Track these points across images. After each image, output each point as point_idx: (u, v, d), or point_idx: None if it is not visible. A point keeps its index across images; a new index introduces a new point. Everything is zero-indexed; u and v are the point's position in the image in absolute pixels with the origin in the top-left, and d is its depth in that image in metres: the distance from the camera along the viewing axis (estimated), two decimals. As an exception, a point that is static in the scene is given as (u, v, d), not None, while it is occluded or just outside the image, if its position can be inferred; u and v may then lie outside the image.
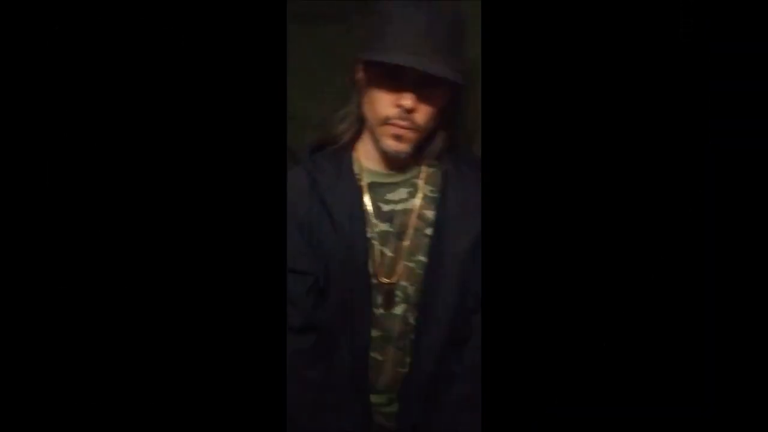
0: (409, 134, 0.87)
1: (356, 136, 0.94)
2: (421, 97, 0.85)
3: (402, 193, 0.93)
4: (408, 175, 0.93)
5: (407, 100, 0.83)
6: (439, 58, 0.81)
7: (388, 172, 0.93)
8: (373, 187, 0.93)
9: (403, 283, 0.90)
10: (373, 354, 0.91)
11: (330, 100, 1.34)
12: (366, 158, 0.94)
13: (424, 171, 0.93)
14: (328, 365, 0.90)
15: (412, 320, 0.90)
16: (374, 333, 0.91)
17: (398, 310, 0.91)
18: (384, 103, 0.86)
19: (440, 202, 0.92)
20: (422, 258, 0.90)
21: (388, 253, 0.90)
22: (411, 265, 0.90)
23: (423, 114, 0.86)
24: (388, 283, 0.90)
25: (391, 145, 0.87)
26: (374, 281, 0.90)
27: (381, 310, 0.90)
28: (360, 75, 0.88)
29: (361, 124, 0.93)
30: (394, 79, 0.84)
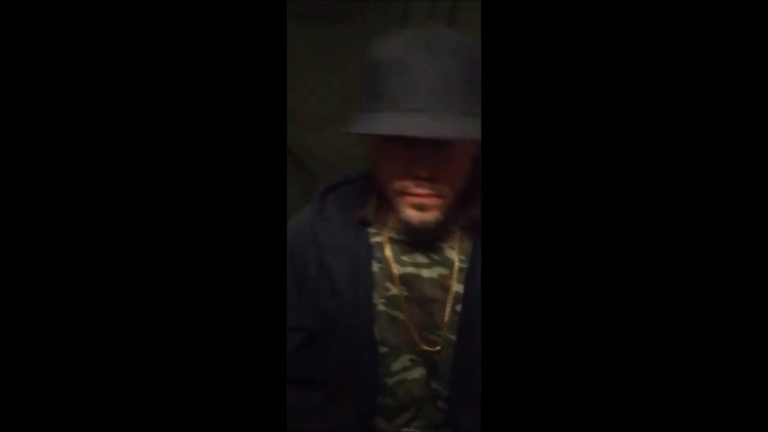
0: (434, 201, 0.72)
1: (381, 210, 0.79)
2: (440, 161, 0.70)
3: (424, 258, 0.79)
4: (434, 239, 0.79)
5: (421, 170, 0.69)
6: (451, 110, 0.66)
7: (411, 235, 0.78)
8: (391, 243, 0.79)
9: (436, 357, 0.79)
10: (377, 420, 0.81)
11: (330, 100, 1.34)
12: (390, 220, 0.79)
13: (458, 235, 0.79)
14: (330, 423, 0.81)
15: (443, 405, 0.79)
16: (382, 401, 0.80)
17: (416, 374, 0.80)
18: (395, 175, 0.71)
19: (470, 272, 0.77)
20: (451, 336, 0.78)
21: (402, 317, 0.78)
22: (442, 341, 0.78)
23: (446, 178, 0.71)
24: (428, 351, 0.77)
25: (413, 216, 0.72)
26: (391, 350, 0.78)
27: (394, 378, 0.79)
28: (368, 144, 0.75)
29: (381, 191, 0.77)
30: (400, 146, 0.69)
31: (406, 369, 0.79)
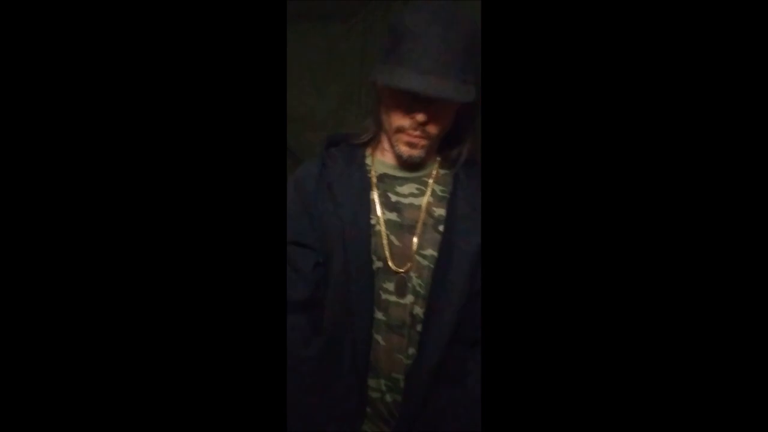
0: (422, 142, 0.92)
1: (374, 138, 0.99)
2: (434, 112, 0.89)
3: (411, 188, 0.97)
4: (419, 174, 0.98)
5: (420, 115, 0.88)
6: (453, 76, 0.85)
7: (401, 169, 0.97)
8: (383, 179, 0.97)
9: (413, 275, 0.93)
10: (375, 336, 0.92)
11: (330, 100, 1.34)
12: (381, 154, 0.99)
13: (436, 171, 0.98)
14: (329, 344, 0.92)
15: (419, 312, 0.92)
16: (378, 316, 0.92)
17: (407, 299, 0.92)
18: (398, 115, 0.91)
19: (450, 201, 0.96)
20: (433, 252, 0.93)
21: (396, 242, 0.93)
22: (420, 259, 0.93)
23: (436, 126, 0.91)
24: (400, 272, 0.92)
25: (404, 150, 0.93)
26: (384, 266, 0.92)
27: (390, 297, 0.92)
28: (376, 87, 0.93)
29: (379, 128, 0.97)
30: (407, 94, 0.87)
31: (397, 293, 0.94)
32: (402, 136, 0.92)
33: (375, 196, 0.96)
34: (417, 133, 0.91)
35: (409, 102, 0.89)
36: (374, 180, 0.97)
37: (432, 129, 0.91)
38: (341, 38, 1.27)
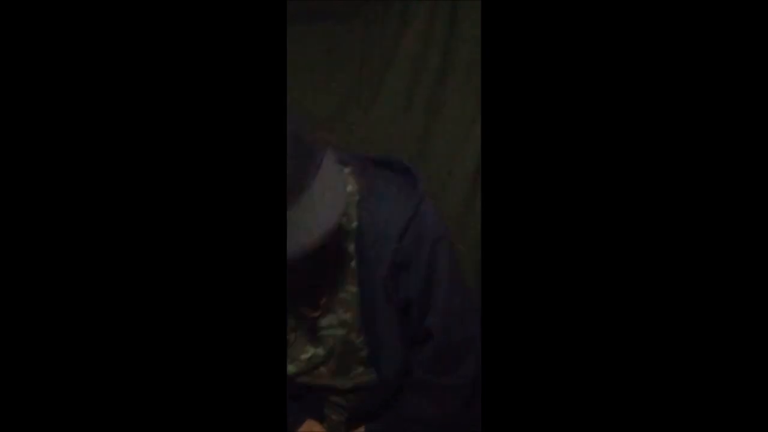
0: None
1: None
2: None
3: None
4: None
5: None
6: None
7: None
8: None
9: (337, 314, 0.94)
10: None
11: (330, 100, 1.34)
12: None
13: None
14: None
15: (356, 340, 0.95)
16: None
17: (338, 332, 0.95)
18: None
19: (357, 233, 0.92)
20: (353, 289, 0.93)
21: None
22: (345, 296, 0.94)
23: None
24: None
25: None
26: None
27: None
28: None
29: None
30: None
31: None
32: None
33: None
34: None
35: None
36: None
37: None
38: (341, 38, 1.27)
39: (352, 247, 0.93)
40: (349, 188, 0.93)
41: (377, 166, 0.97)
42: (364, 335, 0.94)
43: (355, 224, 0.92)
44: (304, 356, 0.96)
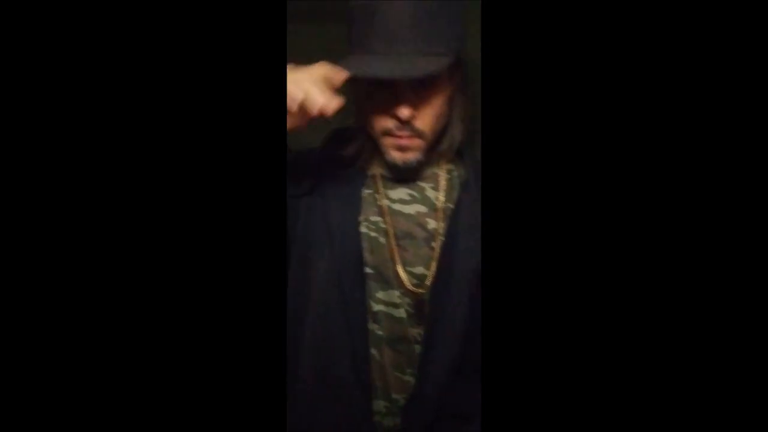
0: (415, 142, 0.79)
1: (363, 148, 0.86)
2: (419, 101, 0.76)
3: (402, 193, 0.86)
4: (416, 177, 0.85)
5: (402, 110, 0.75)
6: (416, 50, 0.72)
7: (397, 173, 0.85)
8: (377, 179, 0.85)
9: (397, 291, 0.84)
10: (372, 351, 0.83)
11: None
12: (377, 156, 0.85)
13: (442, 178, 0.85)
14: (323, 360, 0.84)
15: (414, 332, 0.83)
16: (373, 328, 0.83)
17: (400, 313, 0.83)
18: (379, 116, 0.78)
19: (453, 213, 0.84)
20: (423, 271, 0.83)
21: (383, 251, 0.83)
22: (405, 276, 0.83)
23: (425, 119, 0.78)
24: (414, 292, 0.81)
25: (396, 156, 0.80)
26: (376, 273, 0.82)
27: (382, 308, 0.83)
28: (351, 87, 0.80)
29: (365, 136, 0.85)
30: (384, 87, 0.76)
31: (394, 305, 0.84)
32: (389, 140, 0.79)
33: (365, 194, 0.85)
34: (405, 133, 0.78)
35: (385, 96, 0.76)
36: (369, 180, 0.86)
37: (422, 124, 0.78)
38: (341, 38, 1.27)
39: (435, 224, 0.83)
40: (457, 169, 0.85)
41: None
42: (424, 333, 0.81)
43: (452, 205, 0.84)
44: None
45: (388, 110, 0.77)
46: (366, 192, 0.85)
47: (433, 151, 0.84)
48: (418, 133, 0.78)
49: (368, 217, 0.84)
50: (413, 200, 0.85)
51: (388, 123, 0.78)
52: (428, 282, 0.83)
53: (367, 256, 0.84)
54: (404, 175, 0.85)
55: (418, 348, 0.83)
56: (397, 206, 0.85)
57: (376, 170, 0.87)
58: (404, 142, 0.78)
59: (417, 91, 0.76)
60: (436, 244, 0.83)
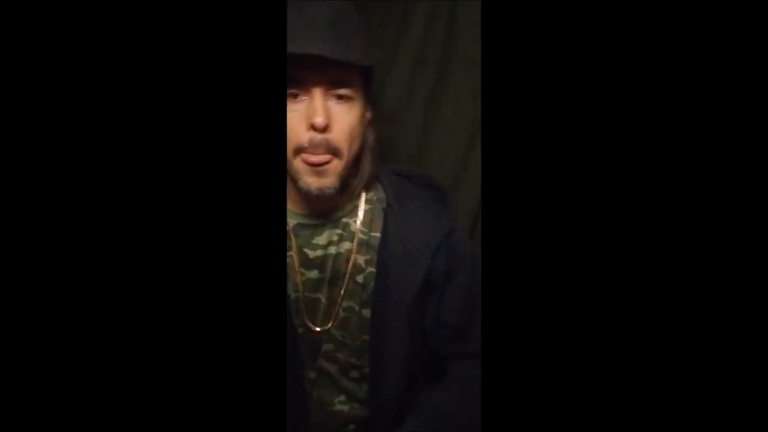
0: (332, 164, 0.75)
1: None
2: (335, 114, 0.74)
3: (330, 235, 0.83)
4: (338, 215, 0.83)
5: (317, 118, 0.72)
6: (347, 48, 0.72)
7: (314, 215, 0.82)
8: (297, 231, 0.82)
9: (334, 332, 0.85)
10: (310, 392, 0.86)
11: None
12: (290, 203, 0.82)
13: (360, 208, 0.84)
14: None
15: (343, 359, 0.85)
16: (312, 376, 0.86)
17: (327, 352, 0.86)
18: (293, 131, 0.73)
19: (380, 244, 0.83)
20: (353, 305, 0.83)
21: (322, 300, 0.84)
22: (343, 313, 0.84)
23: (340, 134, 0.74)
24: (316, 332, 0.83)
25: (311, 182, 0.75)
26: (304, 330, 0.84)
27: (321, 361, 0.85)
28: None
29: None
30: (301, 96, 0.73)
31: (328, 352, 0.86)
32: (303, 162, 0.74)
33: (293, 253, 0.81)
34: (320, 149, 0.73)
35: (302, 108, 0.73)
36: (289, 234, 0.81)
37: (336, 139, 0.74)
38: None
39: (363, 258, 0.83)
40: (376, 195, 0.85)
41: (400, 176, 0.89)
42: (369, 354, 0.84)
43: (378, 235, 0.84)
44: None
45: (304, 122, 0.74)
46: (293, 250, 0.82)
47: (347, 186, 0.81)
48: (332, 150, 0.75)
49: (298, 278, 0.83)
50: (341, 239, 0.84)
51: (302, 138, 0.74)
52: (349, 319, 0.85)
53: (302, 319, 0.84)
54: (322, 211, 0.82)
55: (354, 373, 0.86)
56: (329, 250, 0.84)
57: (292, 221, 0.83)
58: (319, 158, 0.74)
59: (333, 102, 0.74)
60: (361, 278, 0.84)
